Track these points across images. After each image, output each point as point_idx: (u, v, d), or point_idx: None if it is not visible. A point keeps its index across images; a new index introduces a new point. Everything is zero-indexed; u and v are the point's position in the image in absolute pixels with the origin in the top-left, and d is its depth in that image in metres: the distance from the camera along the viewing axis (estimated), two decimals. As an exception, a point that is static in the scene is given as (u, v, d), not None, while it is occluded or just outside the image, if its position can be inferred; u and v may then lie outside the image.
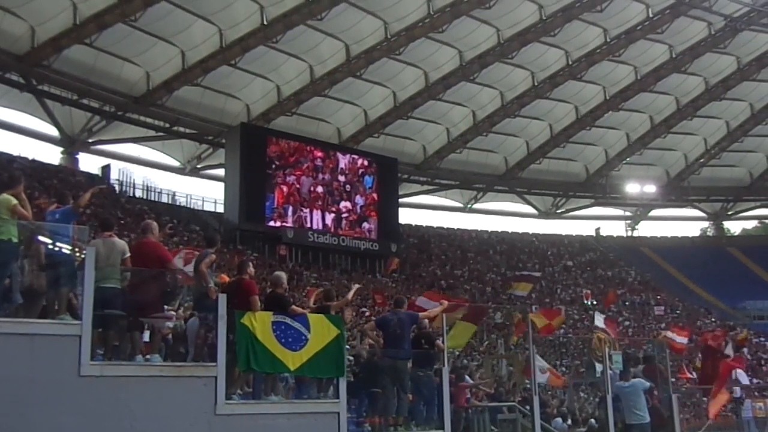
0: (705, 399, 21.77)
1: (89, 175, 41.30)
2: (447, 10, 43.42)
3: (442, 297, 19.73)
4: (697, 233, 71.84)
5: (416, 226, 54.64)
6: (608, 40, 48.69)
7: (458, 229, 57.41)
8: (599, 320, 20.23)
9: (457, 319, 16.11)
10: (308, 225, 42.61)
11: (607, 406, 14.27)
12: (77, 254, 9.22)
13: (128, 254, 9.41)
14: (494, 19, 45.21)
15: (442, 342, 12.58)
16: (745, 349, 38.43)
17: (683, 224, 69.63)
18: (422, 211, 58.26)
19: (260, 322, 9.66)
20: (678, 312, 50.86)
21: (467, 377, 16.29)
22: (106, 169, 42.94)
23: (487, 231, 58.56)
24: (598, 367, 16.80)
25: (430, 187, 56.32)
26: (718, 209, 66.16)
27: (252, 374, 10.18)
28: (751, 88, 54.10)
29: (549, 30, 46.40)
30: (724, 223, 69.74)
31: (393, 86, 47.74)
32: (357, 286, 13.25)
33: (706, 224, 71.45)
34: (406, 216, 52.39)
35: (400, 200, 50.17)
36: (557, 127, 54.27)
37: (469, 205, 60.08)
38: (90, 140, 43.86)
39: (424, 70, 47.34)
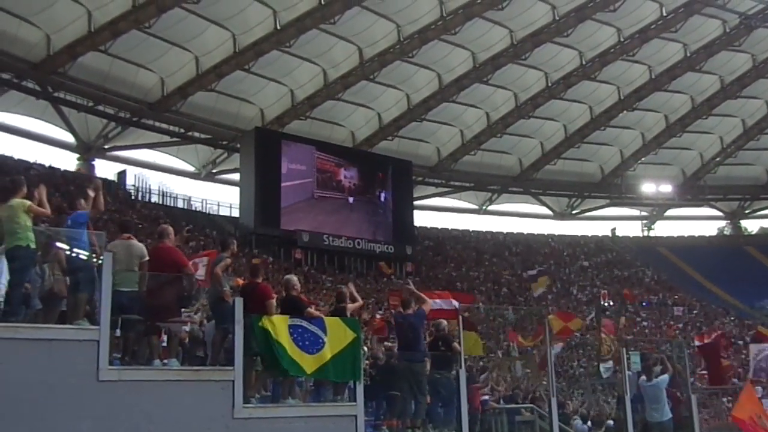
0: (724, 399, 21.65)
1: (105, 181, 41.49)
2: (460, 12, 43.41)
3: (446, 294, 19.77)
4: (714, 232, 71.33)
5: (431, 228, 54.60)
6: (622, 39, 48.53)
7: (473, 231, 57.33)
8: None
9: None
10: (323, 229, 42.66)
11: (625, 407, 14.18)
12: (95, 259, 9.24)
13: (147, 257, 9.45)
14: (507, 21, 45.15)
15: (460, 344, 12.55)
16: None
17: (700, 224, 69.15)
18: (437, 214, 58.31)
19: (278, 326, 9.67)
20: (695, 312, 50.56)
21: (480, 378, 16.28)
22: (122, 175, 43.27)
23: (502, 232, 58.45)
24: (602, 366, 16.78)
25: (445, 189, 56.27)
26: (735, 208, 65.73)
27: (269, 378, 10.20)
28: (767, 85, 53.71)
29: (562, 30, 46.29)
30: (741, 221, 69.25)
31: (406, 89, 47.76)
32: (350, 284, 13.22)
33: (723, 223, 70.96)
34: (421, 218, 52.45)
35: (415, 203, 50.21)
36: (572, 127, 54.10)
37: (484, 207, 59.97)
38: (106, 146, 44.17)
39: (437, 73, 47.34)
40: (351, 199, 44.56)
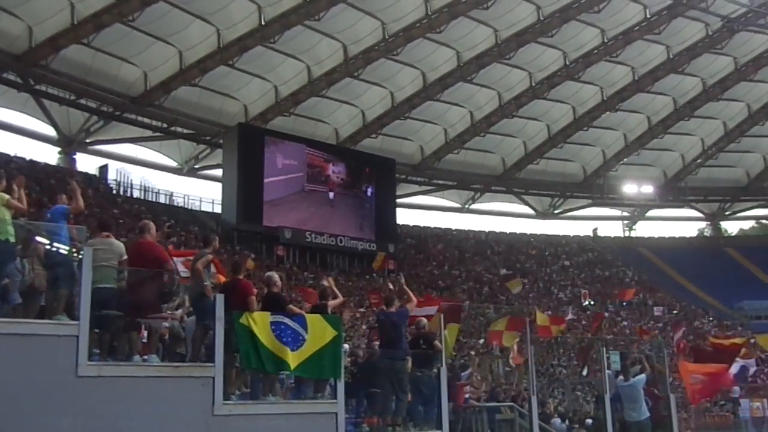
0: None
1: (87, 176, 41.28)
2: (445, 11, 43.43)
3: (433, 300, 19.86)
4: (694, 233, 71.96)
5: (414, 226, 54.63)
6: (606, 40, 48.72)
7: (456, 229, 57.41)
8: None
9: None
10: (306, 226, 42.60)
11: (605, 406, 14.27)
12: (75, 254, 9.18)
13: (125, 257, 9.40)
14: (492, 20, 45.23)
15: (441, 343, 12.57)
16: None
17: (680, 224, 69.76)
18: (420, 212, 58.34)
19: (259, 322, 9.65)
20: (675, 312, 50.89)
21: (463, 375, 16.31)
22: (103, 169, 42.97)
23: (484, 231, 58.56)
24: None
25: (428, 188, 56.32)
26: (716, 209, 66.21)
27: (250, 375, 10.17)
28: (748, 88, 54.18)
29: (546, 31, 46.42)
30: (721, 223, 69.83)
31: (391, 87, 47.75)
32: (329, 278, 13.19)
33: (703, 224, 71.56)
34: (403, 216, 52.51)
35: (398, 200, 50.23)
36: (555, 127, 54.29)
37: (466, 206, 60.08)
38: (87, 140, 43.82)
39: (421, 71, 47.35)
40: (331, 195, 44.44)
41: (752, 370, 23.49)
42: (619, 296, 48.87)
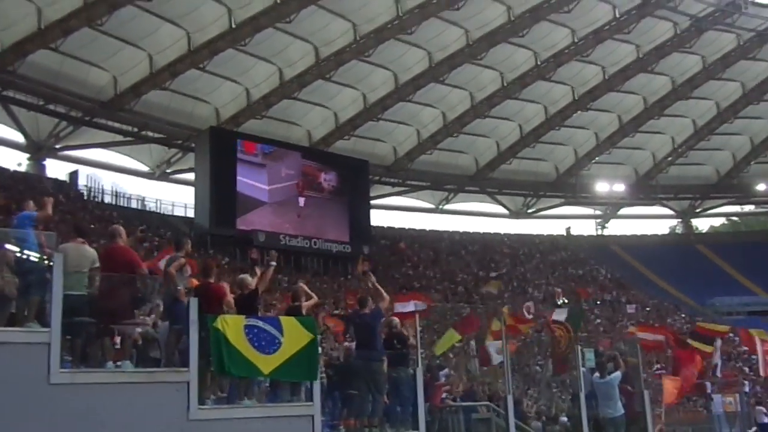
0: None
1: (57, 182, 40.85)
2: (416, 12, 43.51)
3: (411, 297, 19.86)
4: (665, 231, 72.71)
5: (388, 227, 54.66)
6: (576, 40, 49.08)
7: (430, 230, 57.54)
8: (559, 316, 20.29)
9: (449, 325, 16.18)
10: (280, 229, 42.46)
11: (579, 403, 14.37)
12: (46, 261, 9.08)
13: (98, 264, 9.30)
14: (463, 21, 45.39)
15: (416, 342, 12.57)
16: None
17: (652, 222, 70.37)
18: (394, 213, 58.37)
19: (233, 326, 9.59)
20: (648, 309, 51.34)
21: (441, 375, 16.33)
22: (73, 175, 42.53)
23: (458, 231, 58.73)
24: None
25: (401, 189, 56.35)
26: (686, 207, 66.87)
27: (225, 379, 10.11)
28: (717, 87, 54.82)
29: (517, 31, 46.65)
30: (692, 220, 70.54)
31: (363, 88, 47.74)
32: (301, 283, 13.12)
33: (674, 222, 72.30)
34: (377, 218, 52.45)
35: (372, 202, 50.23)
36: (527, 127, 54.57)
37: (440, 206, 60.20)
38: (57, 146, 43.36)
39: (393, 72, 47.39)
40: (302, 201, 44.22)
41: (719, 365, 23.73)
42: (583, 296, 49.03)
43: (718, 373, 22.33)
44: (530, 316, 33.71)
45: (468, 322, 22.16)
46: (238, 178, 41.59)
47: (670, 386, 16.40)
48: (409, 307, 18.51)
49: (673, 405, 18.73)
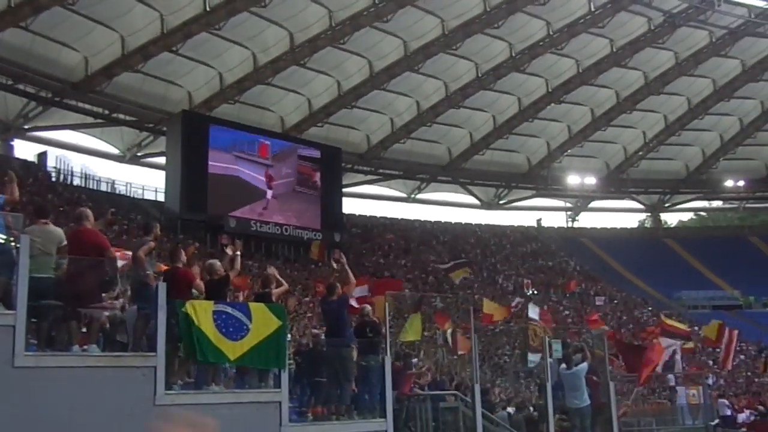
0: (639, 389, 22.28)
1: (25, 163, 40.32)
2: (392, 0, 43.39)
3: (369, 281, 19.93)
4: (635, 225, 73.57)
5: (360, 215, 54.65)
6: (551, 33, 49.24)
7: (401, 219, 57.62)
8: (534, 312, 20.44)
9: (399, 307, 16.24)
10: (251, 215, 42.28)
11: (546, 394, 14.50)
12: (12, 243, 8.95)
13: (65, 242, 9.19)
14: (439, 10, 45.36)
15: (386, 331, 12.59)
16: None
17: (622, 216, 71.28)
18: (366, 201, 58.43)
19: (201, 312, 9.55)
20: (616, 302, 51.87)
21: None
22: (42, 156, 42.04)
23: (430, 221, 58.88)
24: (531, 357, 17.16)
25: (374, 177, 56.35)
26: (656, 201, 67.58)
27: (193, 364, 10.06)
28: (689, 83, 55.33)
29: (493, 22, 46.70)
30: (661, 214, 71.32)
31: (337, 75, 47.57)
32: (272, 268, 13.04)
33: (644, 216, 73.11)
34: (349, 206, 52.46)
35: (344, 190, 50.16)
36: (500, 118, 54.73)
37: (412, 195, 60.33)
38: (26, 126, 42.83)
39: (368, 60, 47.27)
40: (270, 194, 43.99)
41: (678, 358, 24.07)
42: (565, 288, 49.68)
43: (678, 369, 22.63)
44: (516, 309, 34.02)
45: (441, 315, 22.30)
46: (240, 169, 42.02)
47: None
48: (364, 291, 18.69)
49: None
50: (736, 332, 23.94)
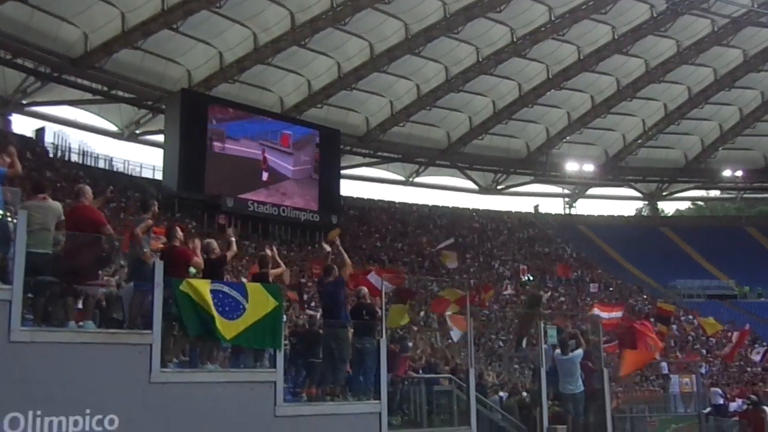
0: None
1: (23, 138, 40.16)
2: (394, -19, 43.20)
3: (387, 272, 19.84)
4: (632, 213, 73.64)
5: (357, 198, 54.64)
6: (553, 18, 49.01)
7: (399, 202, 57.61)
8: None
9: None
10: (248, 195, 42.24)
11: (540, 379, 14.54)
12: (10, 218, 8.92)
13: (63, 216, 9.16)
14: (441, -7, 45.18)
15: (382, 314, 12.61)
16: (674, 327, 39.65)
17: (619, 203, 71.34)
18: (364, 184, 58.44)
19: (199, 290, 9.55)
20: (611, 289, 51.99)
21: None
22: (40, 131, 41.88)
23: (427, 205, 58.91)
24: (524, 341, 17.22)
25: (372, 160, 56.31)
26: (654, 190, 67.61)
27: (188, 342, 10.07)
28: (690, 71, 55.17)
29: (495, 6, 46.44)
30: (658, 203, 71.39)
31: (338, 57, 47.38)
32: (273, 247, 13.02)
33: (641, 204, 73.21)
34: (347, 188, 52.44)
35: (342, 172, 50.10)
36: (500, 103, 54.61)
37: (410, 179, 60.28)
38: (24, 101, 42.66)
39: (369, 42, 47.05)
40: (265, 176, 43.95)
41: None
42: (559, 273, 49.87)
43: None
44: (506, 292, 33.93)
45: (439, 301, 22.24)
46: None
47: (630, 358, 16.59)
48: (377, 283, 18.56)
49: (630, 374, 19.00)
50: (747, 332, 24.10)
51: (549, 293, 44.82)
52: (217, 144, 41.89)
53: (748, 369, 40.13)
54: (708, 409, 20.35)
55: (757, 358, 32.13)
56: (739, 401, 22.25)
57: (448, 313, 19.32)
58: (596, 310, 22.78)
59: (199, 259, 10.24)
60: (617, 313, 22.42)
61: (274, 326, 10.10)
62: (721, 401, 21.99)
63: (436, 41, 47.80)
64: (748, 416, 18.82)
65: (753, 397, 20.02)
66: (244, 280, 14.06)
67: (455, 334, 19.39)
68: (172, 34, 41.40)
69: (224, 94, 44.86)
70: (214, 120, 42.03)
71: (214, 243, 10.81)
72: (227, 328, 9.68)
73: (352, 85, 48.99)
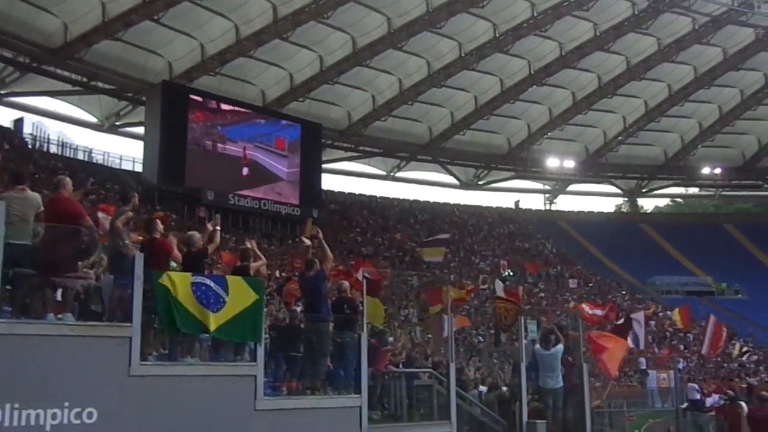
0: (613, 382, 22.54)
1: (1, 128, 39.81)
2: (377, -24, 43.14)
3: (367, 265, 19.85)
4: (612, 209, 74.02)
5: (338, 192, 54.59)
6: (535, 14, 49.16)
7: (380, 197, 57.63)
8: (499, 289, 20.48)
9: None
10: (229, 187, 42.09)
11: (520, 374, 14.60)
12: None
13: (42, 208, 9.06)
14: (424, -12, 45.15)
15: (363, 308, 12.61)
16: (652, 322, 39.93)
17: (599, 200, 71.83)
18: (345, 178, 58.47)
19: (179, 283, 9.49)
20: (590, 285, 52.28)
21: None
22: (18, 122, 41.53)
23: (408, 200, 58.98)
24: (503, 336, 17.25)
25: (354, 154, 56.27)
26: (633, 186, 68.02)
27: (168, 336, 10.00)
28: (670, 69, 55.54)
29: (478, 1, 46.49)
30: (637, 200, 71.84)
31: (320, 50, 47.25)
32: (252, 241, 12.97)
33: (620, 200, 73.63)
34: (328, 182, 52.41)
35: (323, 166, 50.03)
36: (482, 99, 54.70)
37: (391, 174, 60.28)
38: (2, 92, 42.20)
39: (351, 36, 46.96)
40: (245, 170, 43.87)
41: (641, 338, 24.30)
42: (530, 270, 49.93)
43: (641, 346, 22.84)
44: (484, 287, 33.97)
45: (433, 293, 22.28)
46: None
47: (617, 353, 16.63)
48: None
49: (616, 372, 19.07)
50: (713, 319, 24.21)
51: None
52: (219, 146, 42.62)
53: (725, 365, 40.54)
54: (685, 404, 20.55)
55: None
56: (716, 396, 22.47)
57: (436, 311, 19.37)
58: (585, 307, 22.90)
59: (178, 254, 10.17)
60: (600, 311, 22.56)
61: (254, 320, 10.05)
62: (698, 396, 22.22)
63: (419, 36, 47.79)
64: (725, 411, 18.95)
65: (730, 392, 20.18)
66: (215, 272, 13.96)
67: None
68: (153, 25, 41.10)
69: (205, 86, 44.64)
70: (219, 126, 42.84)
71: (196, 235, 10.73)
72: (208, 321, 9.63)
73: (334, 79, 48.88)
